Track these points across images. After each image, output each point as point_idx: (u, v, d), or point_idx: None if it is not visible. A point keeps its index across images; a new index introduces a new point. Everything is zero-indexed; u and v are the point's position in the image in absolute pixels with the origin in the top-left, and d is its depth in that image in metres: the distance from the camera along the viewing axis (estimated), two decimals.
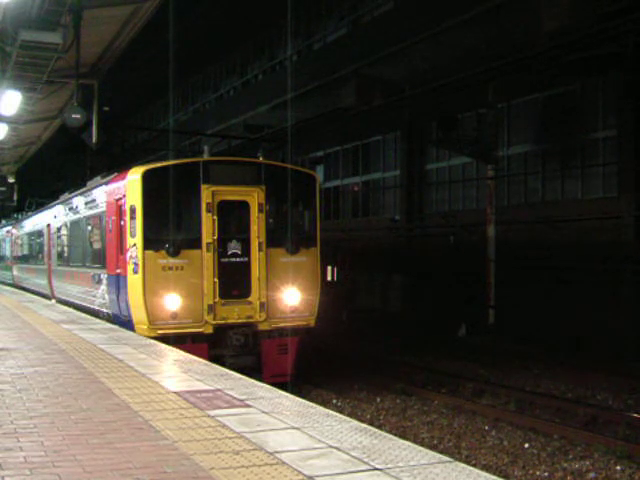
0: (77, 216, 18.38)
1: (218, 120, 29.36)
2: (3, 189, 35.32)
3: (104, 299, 14.74)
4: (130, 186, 12.93)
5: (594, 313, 17.43)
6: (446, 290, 22.22)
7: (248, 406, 6.30)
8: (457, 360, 16.66)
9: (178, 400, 6.53)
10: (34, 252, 26.84)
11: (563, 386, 13.94)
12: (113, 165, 17.43)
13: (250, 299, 12.91)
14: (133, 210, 12.67)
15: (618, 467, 9.20)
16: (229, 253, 12.80)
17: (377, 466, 4.53)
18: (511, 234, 20.33)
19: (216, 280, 12.57)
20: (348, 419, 5.90)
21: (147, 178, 12.64)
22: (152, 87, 36.35)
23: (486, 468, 9.09)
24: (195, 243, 12.57)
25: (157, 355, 9.40)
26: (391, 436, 5.36)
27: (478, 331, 20.31)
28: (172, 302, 12.35)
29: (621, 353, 16.33)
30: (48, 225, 22.85)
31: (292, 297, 13.22)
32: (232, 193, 12.94)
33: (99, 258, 15.42)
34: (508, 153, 21.56)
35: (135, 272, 12.48)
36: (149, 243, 12.41)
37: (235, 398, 6.62)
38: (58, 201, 22.14)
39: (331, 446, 4.99)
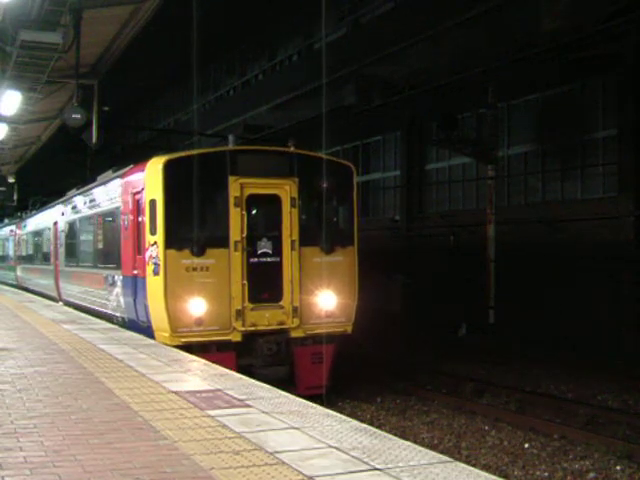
0: (87, 213, 17.23)
1: (218, 120, 29.36)
2: (3, 189, 35.35)
3: (118, 303, 13.67)
4: (150, 178, 11.77)
5: (594, 313, 17.43)
6: (446, 290, 22.22)
7: (248, 406, 6.30)
8: (457, 360, 16.66)
9: (178, 400, 6.53)
10: (39, 252, 25.60)
11: (563, 386, 13.94)
12: (113, 165, 17.28)
13: (282, 303, 11.81)
14: (153, 205, 11.49)
15: (618, 467, 9.21)
16: (259, 252, 11.70)
17: (377, 466, 4.53)
18: (511, 234, 20.33)
19: (245, 282, 11.47)
20: (348, 419, 5.90)
21: (169, 169, 11.42)
22: (152, 87, 36.39)
23: (486, 468, 9.09)
24: (222, 241, 11.46)
25: (157, 355, 9.40)
26: (391, 436, 5.36)
27: (478, 331, 20.31)
28: (197, 307, 11.21)
29: (621, 353, 16.33)
30: (55, 223, 21.71)
31: (327, 301, 12.09)
32: (262, 186, 11.79)
33: (113, 258, 14.27)
34: (508, 153, 21.56)
35: (155, 273, 11.36)
36: (171, 241, 11.26)
37: (235, 398, 6.62)
38: (65, 197, 21.08)
39: (331, 446, 4.99)
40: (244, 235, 11.50)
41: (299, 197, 11.92)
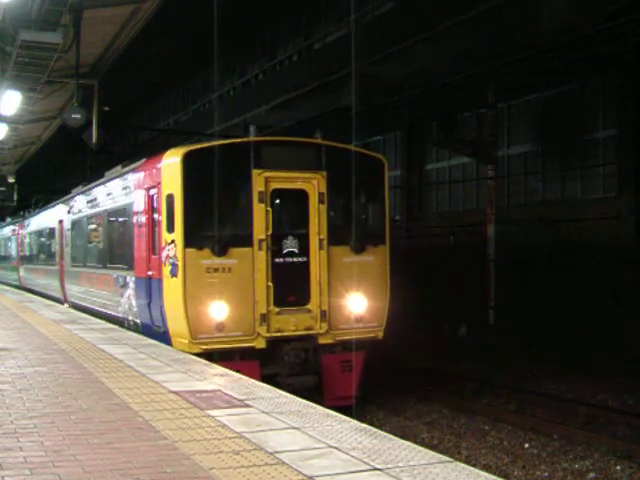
0: (96, 210, 16.32)
1: (218, 120, 29.36)
2: (3, 189, 35.34)
3: (130, 306, 12.94)
4: (167, 171, 11.00)
5: (594, 313, 17.42)
6: (446, 290, 22.22)
7: (248, 406, 6.30)
8: (457, 360, 16.66)
9: (178, 400, 6.53)
10: (43, 251, 24.76)
11: (563, 386, 13.94)
12: (113, 165, 17.24)
13: (309, 307, 10.98)
14: (171, 200, 10.71)
15: (618, 467, 9.21)
16: (284, 252, 10.87)
17: (377, 466, 4.53)
18: (511, 234, 20.33)
19: (270, 284, 10.65)
20: (348, 419, 5.90)
21: (189, 161, 10.60)
22: (152, 87, 36.38)
23: (486, 468, 9.09)
24: (245, 240, 10.65)
25: (157, 355, 9.40)
26: (391, 436, 5.36)
27: (478, 331, 20.31)
28: (218, 311, 10.38)
29: (621, 353, 16.33)
30: (60, 222, 20.88)
31: (358, 304, 11.27)
32: (288, 180, 10.99)
33: (124, 258, 13.53)
34: (508, 153, 21.56)
35: (173, 275, 10.55)
36: (191, 240, 10.44)
37: (235, 398, 6.62)
38: (71, 195, 20.20)
39: (331, 446, 4.99)
40: (269, 233, 10.72)
41: (327, 192, 11.13)
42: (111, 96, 23.53)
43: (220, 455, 4.79)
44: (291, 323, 10.87)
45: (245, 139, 11.28)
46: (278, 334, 10.76)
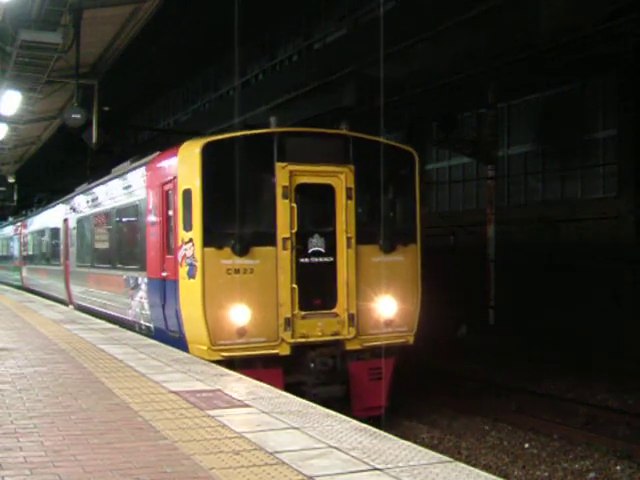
0: (104, 208, 15.58)
1: (218, 120, 29.36)
2: (3, 189, 35.33)
3: (142, 309, 12.23)
4: (184, 164, 10.28)
5: (594, 313, 17.43)
6: (446, 290, 22.21)
7: (248, 406, 6.30)
8: (457, 360, 16.65)
9: (178, 400, 6.53)
10: (47, 251, 23.92)
11: (563, 386, 13.94)
12: (113, 165, 17.21)
13: (336, 310, 10.28)
14: (188, 195, 9.97)
15: (618, 467, 9.21)
16: (310, 251, 10.18)
17: (377, 466, 4.53)
18: (511, 234, 20.34)
19: (295, 286, 9.93)
20: (348, 419, 5.90)
21: (208, 153, 9.84)
22: (152, 87, 36.39)
23: (486, 468, 9.10)
24: (268, 238, 9.95)
25: (157, 355, 9.40)
26: (391, 436, 5.36)
27: (478, 331, 20.31)
28: (239, 315, 9.69)
29: (621, 352, 16.34)
30: (65, 220, 20.14)
31: (387, 307, 10.59)
32: (314, 174, 10.28)
33: (135, 258, 12.87)
34: (508, 153, 21.56)
35: (191, 276, 9.82)
36: (210, 238, 9.71)
37: (235, 398, 6.62)
38: (76, 192, 19.47)
39: (331, 446, 4.99)
40: (294, 231, 10.00)
41: (355, 187, 10.40)
42: (111, 96, 23.54)
43: (220, 455, 4.79)
44: (317, 328, 10.12)
45: (268, 130, 10.44)
46: (303, 340, 10.03)
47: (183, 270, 9.99)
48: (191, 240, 9.86)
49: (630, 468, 9.16)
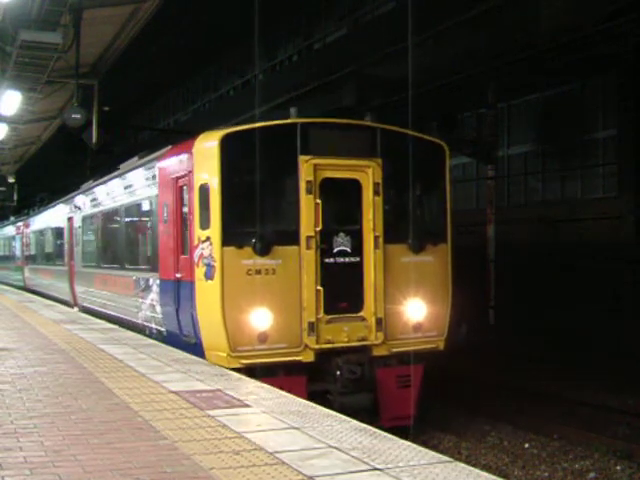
0: (112, 205, 14.90)
1: (218, 120, 29.35)
2: (3, 189, 35.34)
3: (153, 312, 11.63)
4: (201, 157, 9.66)
5: (594, 313, 17.43)
6: None
7: (248, 406, 6.30)
8: (457, 360, 16.63)
9: (178, 400, 6.53)
10: (50, 251, 23.36)
11: (563, 386, 13.93)
12: (114, 165, 17.17)
13: (363, 314, 9.67)
14: (205, 191, 9.37)
15: (618, 467, 9.22)
16: (335, 251, 9.56)
17: (377, 466, 4.53)
18: (511, 234, 20.34)
19: (320, 288, 9.31)
20: (348, 419, 5.90)
21: (227, 145, 9.22)
22: (152, 87, 36.39)
23: (486, 468, 9.10)
24: (291, 237, 9.33)
25: (157, 355, 9.40)
26: (391, 436, 5.36)
27: (478, 331, 20.30)
28: (261, 319, 9.07)
29: (621, 352, 16.34)
30: (69, 219, 19.48)
31: (416, 311, 10.01)
32: (339, 168, 9.66)
33: (146, 258, 12.34)
34: (508, 153, 21.57)
35: (208, 277, 9.21)
36: (230, 237, 9.10)
37: (235, 398, 6.62)
38: (82, 190, 18.82)
39: (331, 446, 4.99)
40: (318, 229, 9.36)
41: (383, 182, 9.79)
42: (111, 96, 23.55)
43: (220, 455, 4.79)
44: (343, 333, 9.49)
45: (291, 120, 9.77)
46: (328, 346, 9.41)
47: (200, 271, 9.38)
48: (209, 239, 9.23)
49: (630, 468, 9.17)
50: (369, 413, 9.17)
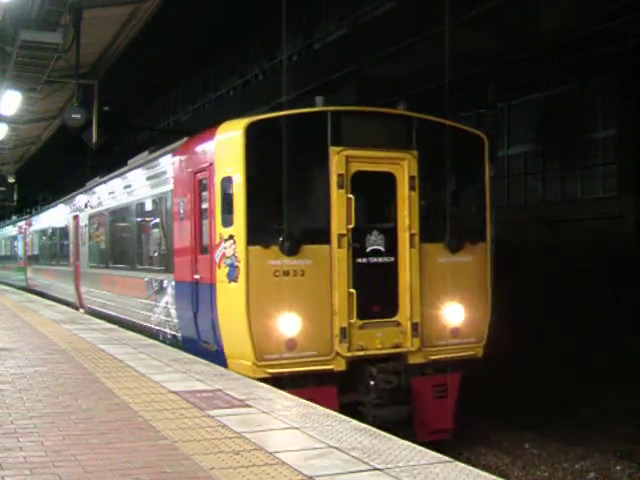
0: (121, 202, 14.27)
1: (218, 120, 29.32)
2: (3, 189, 35.35)
3: (168, 316, 10.96)
4: (224, 149, 8.98)
5: (594, 313, 17.43)
6: None
7: (248, 406, 6.30)
8: None
9: (178, 400, 6.53)
10: (55, 251, 22.71)
11: (563, 386, 13.94)
12: (114, 165, 17.16)
13: (397, 318, 9.04)
14: (228, 185, 8.71)
15: (618, 467, 9.21)
16: (368, 250, 8.91)
17: (377, 466, 4.53)
18: (511, 234, 20.33)
19: (352, 291, 8.66)
20: (348, 419, 5.90)
21: (253, 134, 8.55)
22: (152, 87, 36.40)
23: (486, 468, 9.09)
24: (321, 235, 8.69)
25: (157, 355, 9.40)
26: (391, 436, 5.36)
27: None
28: (289, 325, 8.41)
29: (621, 353, 16.33)
30: (75, 217, 18.82)
31: (454, 315, 9.38)
32: (373, 161, 9.00)
33: (160, 258, 11.73)
34: (508, 153, 21.56)
35: (232, 279, 8.53)
36: (255, 235, 8.44)
37: (235, 398, 6.62)
38: (88, 187, 18.21)
39: (331, 446, 4.99)
40: (351, 227, 8.70)
41: (419, 176, 9.14)
42: (111, 96, 23.56)
43: (220, 455, 4.79)
44: (376, 339, 8.87)
45: (321, 108, 9.05)
46: (361, 353, 8.77)
47: (222, 272, 8.70)
48: (232, 237, 8.55)
49: (630, 468, 9.17)
50: (405, 426, 8.53)
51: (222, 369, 8.35)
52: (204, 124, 11.13)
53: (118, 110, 29.18)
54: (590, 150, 19.03)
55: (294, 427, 5.54)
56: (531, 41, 16.27)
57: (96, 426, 5.61)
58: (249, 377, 8.01)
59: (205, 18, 26.70)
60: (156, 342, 10.87)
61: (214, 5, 24.91)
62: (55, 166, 41.32)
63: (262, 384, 7.44)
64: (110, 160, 24.34)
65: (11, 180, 35.16)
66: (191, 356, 9.39)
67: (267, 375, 8.24)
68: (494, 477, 4.41)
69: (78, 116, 17.04)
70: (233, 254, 8.51)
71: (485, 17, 16.44)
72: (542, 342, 17.92)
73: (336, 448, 4.94)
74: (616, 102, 18.15)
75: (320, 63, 23.36)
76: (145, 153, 13.45)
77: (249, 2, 24.64)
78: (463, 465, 4.64)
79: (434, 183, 9.62)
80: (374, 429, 5.57)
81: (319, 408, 6.33)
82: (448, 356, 9.28)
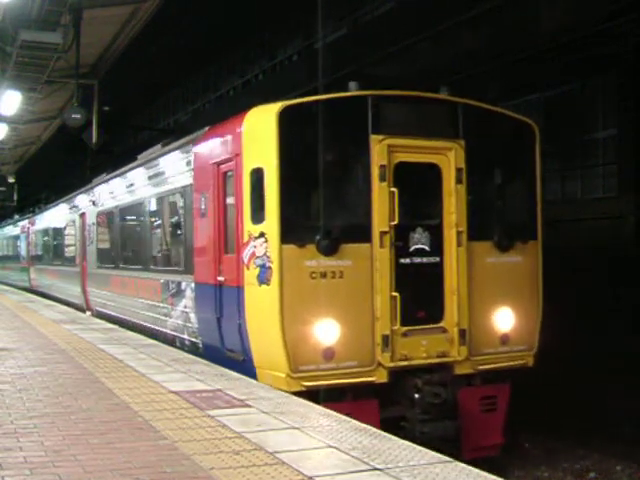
0: (134, 198, 13.44)
1: (218, 120, 29.32)
2: (3, 189, 35.35)
3: (187, 321, 10.22)
4: (253, 136, 8.17)
5: (594, 313, 17.42)
6: None
7: (248, 406, 6.30)
8: None
9: (178, 400, 6.53)
10: (60, 250, 21.95)
11: (563, 386, 13.93)
12: (114, 165, 17.12)
13: (443, 324, 8.29)
14: (259, 177, 7.88)
15: (618, 467, 9.21)
16: (411, 249, 8.17)
17: (377, 466, 4.53)
18: None
19: (395, 294, 7.94)
20: (348, 419, 5.90)
21: (288, 120, 7.74)
22: (152, 87, 36.41)
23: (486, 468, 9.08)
24: (362, 232, 7.93)
25: (157, 355, 9.39)
26: (391, 436, 5.36)
27: None
28: (327, 333, 7.65)
29: (621, 353, 16.33)
30: (82, 215, 18.08)
31: (504, 321, 8.69)
32: (416, 151, 8.24)
33: (177, 258, 10.99)
34: None
35: (263, 281, 7.76)
36: (290, 232, 7.65)
37: (235, 398, 6.62)
38: (95, 183, 17.49)
39: (331, 446, 4.99)
40: (394, 223, 7.96)
41: (466, 168, 8.39)
42: (111, 96, 23.56)
43: (220, 455, 4.79)
44: (421, 348, 8.12)
45: (360, 92, 8.36)
46: (405, 363, 8.03)
47: (251, 274, 7.94)
48: (263, 235, 7.78)
49: (630, 468, 9.16)
50: (452, 443, 7.79)
51: (222, 369, 8.33)
52: (204, 124, 11.06)
53: (118, 110, 29.19)
54: (590, 150, 19.03)
55: (294, 427, 5.54)
56: (531, 41, 16.27)
57: (96, 426, 5.61)
58: (283, 390, 7.30)
59: (205, 18, 26.70)
60: (156, 342, 10.85)
61: (214, 5, 24.90)
62: (55, 166, 41.31)
63: (262, 384, 7.43)
64: (110, 160, 24.33)
65: (11, 180, 35.16)
66: (191, 356, 9.38)
67: (303, 388, 7.50)
68: (494, 477, 4.41)
69: (78, 116, 17.04)
70: (264, 254, 7.76)
71: (485, 17, 16.44)
72: (541, 341, 17.91)
73: (336, 448, 4.94)
74: (616, 102, 18.14)
75: (320, 63, 23.33)
76: (158, 146, 12.88)
77: (249, 2, 24.64)
78: (463, 465, 4.64)
79: (481, 175, 8.83)
80: (374, 429, 5.57)
81: (319, 408, 6.33)
82: (497, 366, 8.57)
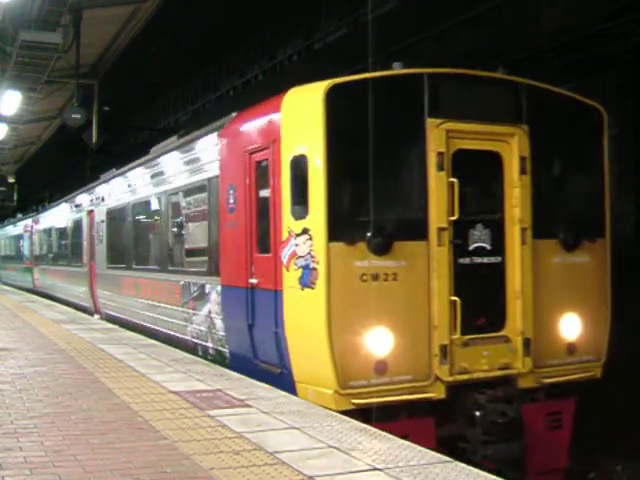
0: (149, 192, 12.47)
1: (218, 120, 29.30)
2: (3, 189, 35.35)
3: (212, 328, 9.26)
4: (295, 119, 7.31)
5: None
6: None
7: (248, 406, 6.30)
8: None
9: (178, 400, 6.53)
10: (65, 250, 20.89)
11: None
12: (114, 165, 17.09)
13: (506, 332, 7.37)
14: (302, 165, 6.96)
15: (618, 467, 9.21)
16: (471, 248, 7.26)
17: (377, 466, 4.53)
18: None
19: (455, 299, 7.01)
20: (348, 419, 5.90)
21: (337, 101, 6.79)
22: (152, 87, 36.41)
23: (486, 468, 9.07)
24: (417, 228, 7.01)
25: (157, 355, 9.39)
26: (391, 436, 5.36)
27: None
28: (379, 343, 6.74)
29: (621, 353, 16.31)
30: (90, 212, 17.08)
31: (570, 329, 7.80)
32: (476, 136, 7.32)
33: (200, 257, 10.00)
34: None
35: (306, 284, 6.84)
36: (338, 228, 6.71)
37: (235, 398, 6.62)
38: (103, 179, 16.64)
39: (331, 446, 4.99)
40: (453, 218, 7.04)
41: (530, 157, 7.49)
42: (111, 96, 23.56)
43: (220, 455, 4.79)
44: (482, 359, 7.22)
45: (415, 70, 7.40)
46: (465, 377, 7.11)
47: (291, 276, 7.05)
48: (306, 231, 6.88)
49: (630, 468, 9.16)
50: (517, 465, 7.09)
51: (222, 369, 8.33)
52: (204, 124, 11.01)
53: (118, 110, 29.18)
54: None
55: (294, 427, 5.54)
56: (531, 41, 16.27)
57: (96, 426, 5.61)
58: (329, 409, 6.41)
59: (205, 18, 26.70)
60: (156, 342, 10.83)
61: (214, 5, 24.91)
62: (55, 166, 41.30)
63: (262, 384, 7.41)
64: (110, 160, 24.32)
65: (11, 180, 35.18)
66: (191, 356, 9.36)
67: (353, 407, 6.60)
68: (494, 477, 4.41)
69: (78, 116, 17.05)
70: (308, 253, 6.84)
71: (485, 17, 16.44)
72: None
73: (336, 448, 4.94)
74: (616, 102, 18.14)
75: (320, 63, 23.34)
76: (174, 138, 12.14)
77: (249, 2, 24.65)
78: (463, 465, 4.64)
79: (546, 165, 7.93)
80: (374, 429, 5.57)
81: (319, 408, 6.33)
82: (563, 378, 7.71)
